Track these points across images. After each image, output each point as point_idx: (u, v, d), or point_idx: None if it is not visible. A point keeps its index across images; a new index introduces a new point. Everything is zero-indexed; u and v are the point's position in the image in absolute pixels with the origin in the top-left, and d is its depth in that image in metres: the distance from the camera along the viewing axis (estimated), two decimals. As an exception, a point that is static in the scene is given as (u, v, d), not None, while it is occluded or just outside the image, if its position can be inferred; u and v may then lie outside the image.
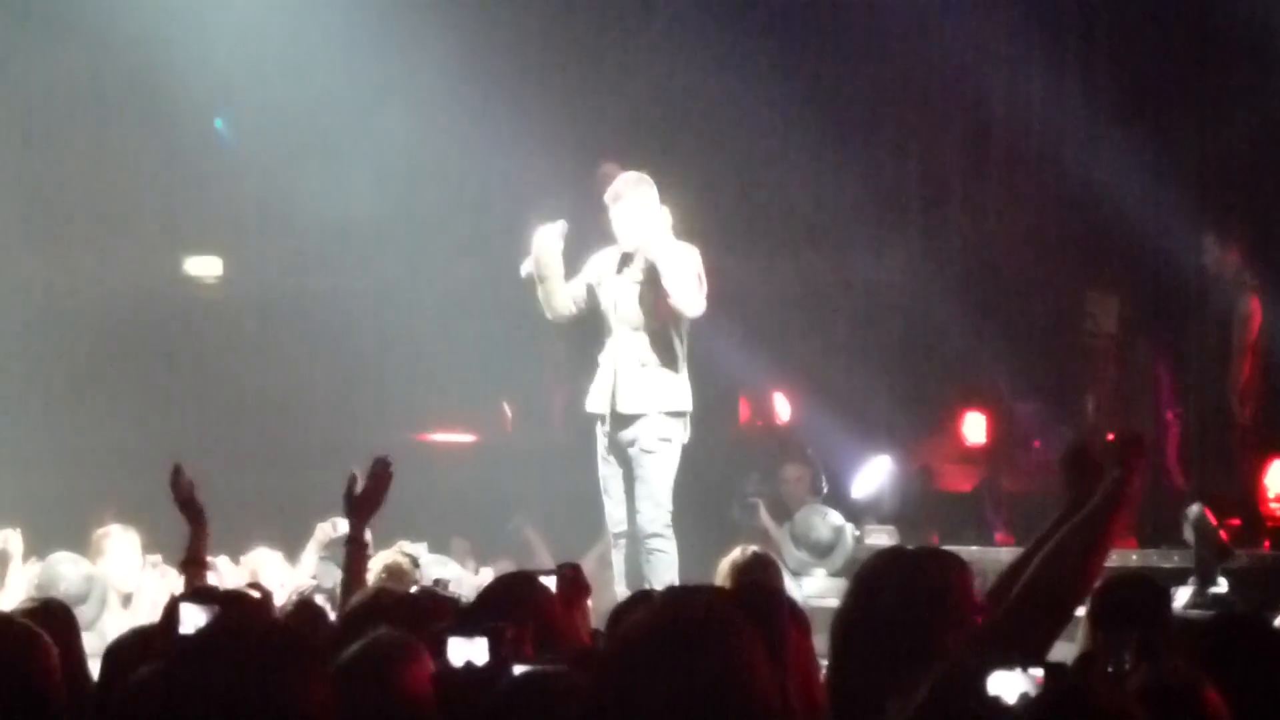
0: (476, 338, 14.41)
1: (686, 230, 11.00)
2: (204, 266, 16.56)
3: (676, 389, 10.67)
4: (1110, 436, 5.80)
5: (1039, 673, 3.93)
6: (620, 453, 10.72)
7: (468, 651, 5.16)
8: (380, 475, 6.90)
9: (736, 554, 8.01)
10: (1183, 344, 14.37)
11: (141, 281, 15.84)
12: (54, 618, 6.05)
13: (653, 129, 14.98)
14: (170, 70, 14.86)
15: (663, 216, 10.65)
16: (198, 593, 6.02)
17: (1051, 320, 15.64)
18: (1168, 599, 6.25)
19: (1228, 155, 14.83)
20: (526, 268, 10.94)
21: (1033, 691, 3.91)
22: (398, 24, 14.76)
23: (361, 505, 6.88)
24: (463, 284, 14.73)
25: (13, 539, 10.20)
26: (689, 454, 10.97)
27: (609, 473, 10.82)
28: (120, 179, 15.69)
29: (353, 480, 6.90)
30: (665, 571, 10.40)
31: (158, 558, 10.25)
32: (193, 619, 5.52)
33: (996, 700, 3.91)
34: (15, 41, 15.59)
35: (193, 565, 7.16)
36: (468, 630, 5.20)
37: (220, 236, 16.36)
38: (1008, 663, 3.96)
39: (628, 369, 10.68)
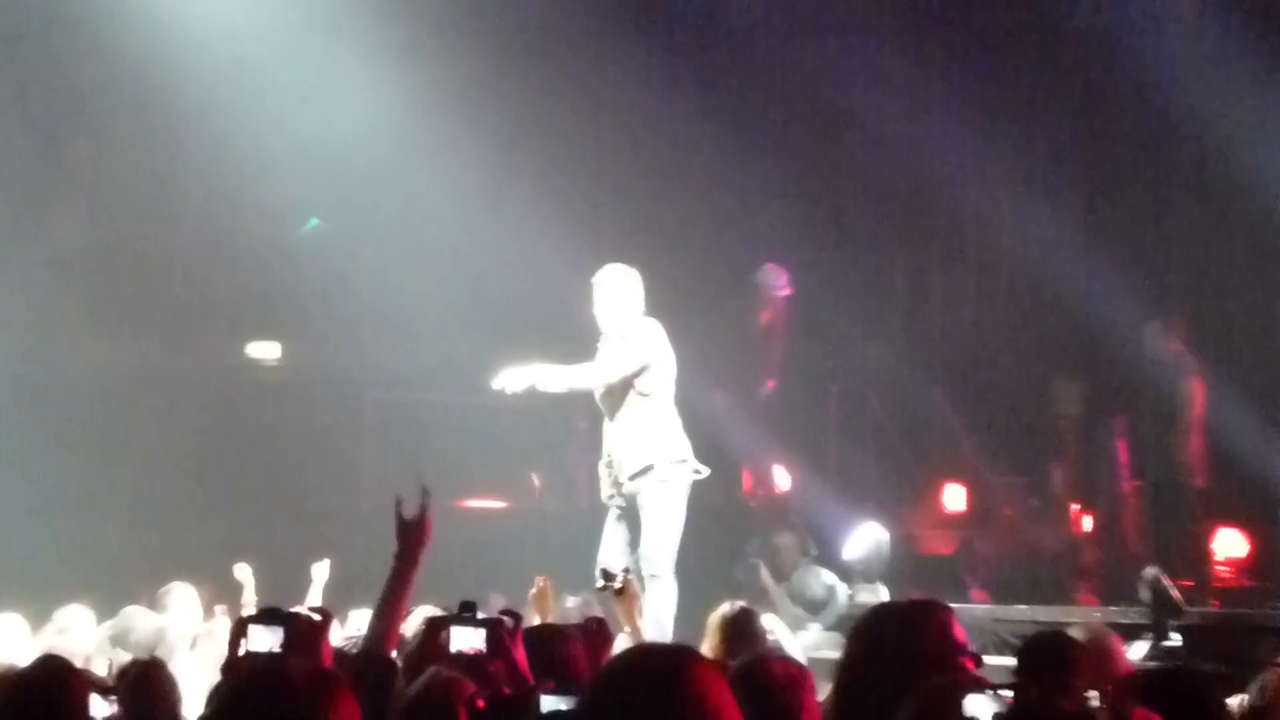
0: (508, 416, 13.74)
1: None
2: (264, 350, 16.40)
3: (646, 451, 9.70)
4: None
5: (1009, 694, 3.90)
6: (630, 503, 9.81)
7: (469, 639, 5.22)
8: (426, 504, 5.79)
9: (725, 608, 7.31)
10: (1138, 423, 13.80)
11: (208, 364, 15.70)
12: (156, 670, 6.46)
13: (664, 236, 14.79)
14: (237, 173, 14.80)
15: (632, 303, 9.73)
16: (264, 614, 5.63)
17: (1020, 402, 15.47)
18: (1074, 650, 5.82)
19: (1170, 260, 14.84)
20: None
21: (1004, 710, 3.85)
22: (439, 144, 14.48)
23: (406, 532, 5.80)
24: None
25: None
26: (696, 516, 10.14)
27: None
28: (189, 271, 15.80)
29: (399, 504, 5.83)
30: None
31: (224, 607, 10.13)
32: (259, 639, 5.41)
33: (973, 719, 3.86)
34: (96, 141, 15.37)
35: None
36: (465, 621, 5.27)
37: (279, 323, 16.14)
38: (980, 686, 3.93)
39: (613, 444, 9.81)
